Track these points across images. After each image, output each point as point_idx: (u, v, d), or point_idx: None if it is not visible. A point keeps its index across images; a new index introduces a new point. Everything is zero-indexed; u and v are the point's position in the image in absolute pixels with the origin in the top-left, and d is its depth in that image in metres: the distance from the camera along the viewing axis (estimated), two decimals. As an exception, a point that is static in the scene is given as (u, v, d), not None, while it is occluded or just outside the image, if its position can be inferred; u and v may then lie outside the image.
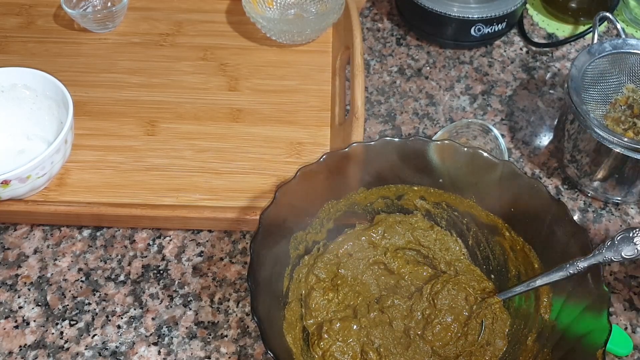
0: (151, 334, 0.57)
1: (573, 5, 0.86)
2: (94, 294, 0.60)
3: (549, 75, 0.81)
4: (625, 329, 0.59)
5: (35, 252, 0.63)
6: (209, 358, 0.56)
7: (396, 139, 0.55)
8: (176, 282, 0.61)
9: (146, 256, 0.63)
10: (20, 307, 0.59)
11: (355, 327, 0.53)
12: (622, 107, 0.66)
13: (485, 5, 0.79)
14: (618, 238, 0.48)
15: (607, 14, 0.73)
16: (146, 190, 0.66)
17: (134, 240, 0.64)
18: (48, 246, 0.63)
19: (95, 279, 0.61)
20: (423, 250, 0.59)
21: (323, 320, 0.54)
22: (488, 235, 0.57)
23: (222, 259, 0.62)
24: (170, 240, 0.64)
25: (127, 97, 0.74)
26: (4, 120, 0.67)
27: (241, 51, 0.80)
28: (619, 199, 0.67)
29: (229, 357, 0.56)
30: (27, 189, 0.60)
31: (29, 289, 0.60)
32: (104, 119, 0.72)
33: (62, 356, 0.56)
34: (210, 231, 0.64)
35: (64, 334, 0.57)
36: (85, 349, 0.56)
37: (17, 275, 0.61)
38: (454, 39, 0.82)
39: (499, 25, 0.80)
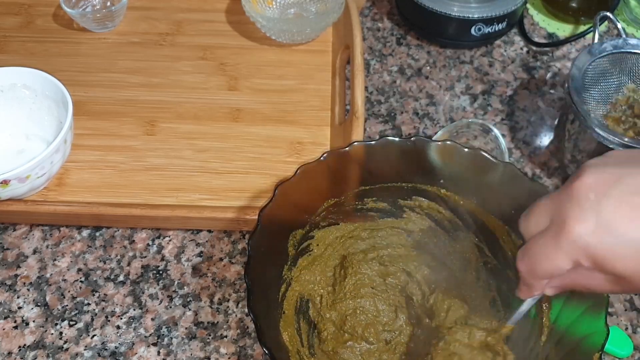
0: (151, 335, 0.57)
1: (573, 4, 0.86)
2: (94, 294, 0.60)
3: (549, 75, 0.81)
4: (626, 329, 0.58)
5: (34, 252, 0.62)
6: (209, 358, 0.56)
7: (397, 139, 0.55)
8: (176, 283, 0.61)
9: (145, 256, 0.62)
10: (19, 308, 0.59)
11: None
12: (623, 107, 0.66)
13: (486, 4, 0.79)
14: None
15: (608, 14, 0.72)
16: (146, 190, 0.65)
17: (134, 241, 0.63)
18: (47, 246, 0.63)
19: (94, 279, 0.61)
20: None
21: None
22: (488, 238, 0.57)
23: (221, 259, 0.62)
24: (170, 240, 0.64)
25: (127, 96, 0.74)
26: (4, 120, 0.67)
27: (241, 51, 0.80)
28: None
29: (229, 358, 0.56)
30: (26, 189, 0.60)
31: (28, 289, 0.60)
32: (104, 118, 0.72)
33: (62, 356, 0.56)
34: (209, 231, 0.64)
35: (64, 335, 0.57)
36: (85, 350, 0.56)
37: (16, 276, 0.61)
38: (454, 38, 0.81)
39: (500, 24, 0.80)
